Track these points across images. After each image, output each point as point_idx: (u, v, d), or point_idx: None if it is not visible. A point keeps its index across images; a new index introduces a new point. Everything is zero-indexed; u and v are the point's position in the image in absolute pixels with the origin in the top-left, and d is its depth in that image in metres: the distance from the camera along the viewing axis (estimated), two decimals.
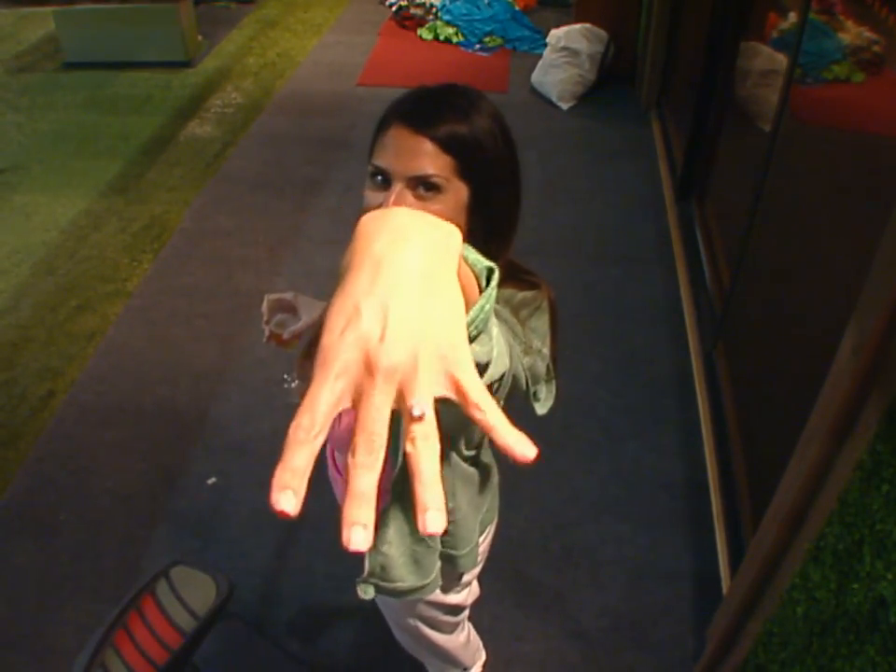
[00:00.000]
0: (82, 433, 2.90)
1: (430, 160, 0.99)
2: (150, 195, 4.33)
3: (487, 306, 0.61)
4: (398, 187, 0.99)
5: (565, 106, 5.23)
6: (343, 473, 1.26)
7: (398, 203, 0.97)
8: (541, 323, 1.11)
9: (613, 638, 2.29)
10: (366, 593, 1.38)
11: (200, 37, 6.21)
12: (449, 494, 1.30)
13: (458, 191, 1.01)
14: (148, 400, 3.03)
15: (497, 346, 0.71)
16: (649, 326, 3.40)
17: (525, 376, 1.02)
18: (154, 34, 5.80)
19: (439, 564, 1.42)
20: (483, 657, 2.11)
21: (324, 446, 0.87)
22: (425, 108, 1.02)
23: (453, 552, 1.36)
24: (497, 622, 2.30)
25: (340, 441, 1.40)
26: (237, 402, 3.01)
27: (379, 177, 1.02)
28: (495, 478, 1.43)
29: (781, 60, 2.79)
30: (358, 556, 1.57)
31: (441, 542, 1.34)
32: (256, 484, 2.66)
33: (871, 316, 1.32)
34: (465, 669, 2.01)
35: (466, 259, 0.60)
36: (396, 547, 1.32)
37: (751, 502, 2.41)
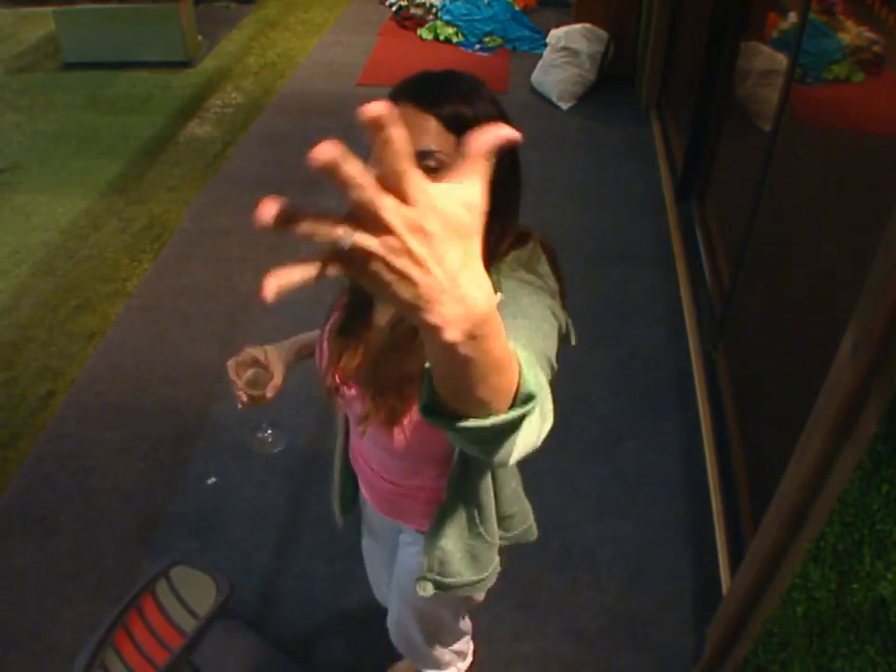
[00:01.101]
0: (82, 433, 2.90)
1: (434, 136, 1.01)
2: (150, 195, 4.33)
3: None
4: None
5: (565, 106, 5.23)
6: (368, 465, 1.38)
7: None
8: (545, 266, 1.19)
9: (613, 638, 2.28)
10: (424, 589, 1.41)
11: (200, 37, 6.22)
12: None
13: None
14: (148, 400, 3.03)
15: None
16: (649, 325, 3.40)
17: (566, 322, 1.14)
18: (154, 34, 5.81)
19: (497, 559, 1.46)
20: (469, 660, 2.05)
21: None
22: (431, 88, 1.05)
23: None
24: (497, 622, 2.30)
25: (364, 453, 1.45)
26: (236, 402, 2.99)
27: None
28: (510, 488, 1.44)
29: (781, 60, 2.79)
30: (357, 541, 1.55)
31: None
32: (256, 484, 2.66)
33: (871, 316, 1.32)
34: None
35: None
36: (453, 542, 1.36)
37: (751, 502, 2.41)
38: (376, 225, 0.49)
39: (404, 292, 0.51)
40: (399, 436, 1.21)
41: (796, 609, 1.52)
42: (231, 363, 1.44)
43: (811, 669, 1.43)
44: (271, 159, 4.67)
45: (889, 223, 1.31)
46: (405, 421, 1.19)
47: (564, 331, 1.12)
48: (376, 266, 0.50)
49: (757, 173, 2.68)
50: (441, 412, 0.70)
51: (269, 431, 1.60)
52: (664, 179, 4.40)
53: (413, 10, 6.62)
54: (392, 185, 0.49)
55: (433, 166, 1.00)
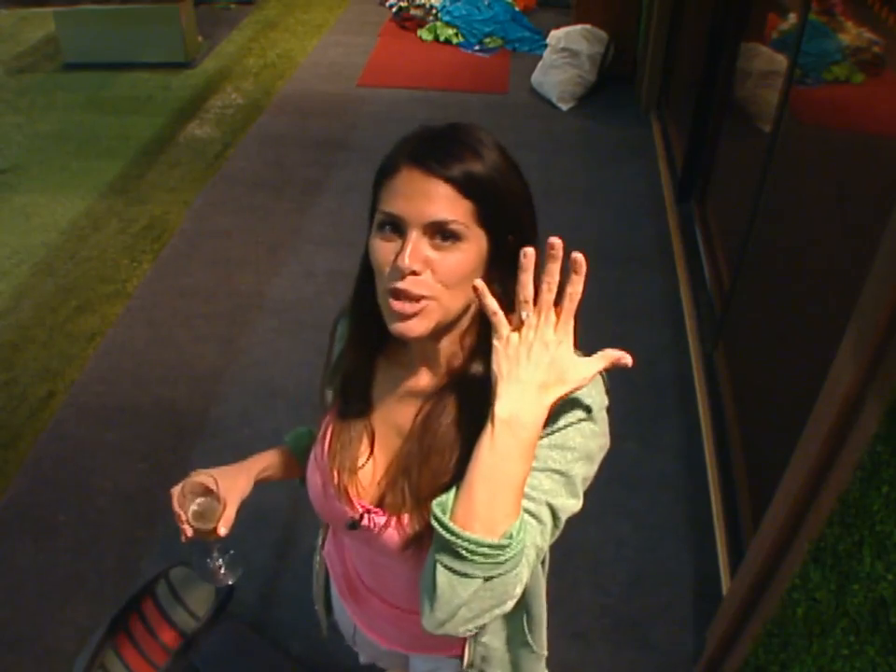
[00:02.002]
0: (82, 434, 2.89)
1: (449, 204, 0.88)
2: (150, 196, 4.33)
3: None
4: (413, 234, 0.88)
5: (565, 107, 5.23)
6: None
7: (414, 253, 0.88)
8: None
9: (613, 639, 2.28)
10: None
11: (200, 38, 6.22)
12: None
13: (479, 239, 0.91)
14: (148, 401, 3.03)
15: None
16: (649, 327, 3.39)
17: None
18: (154, 34, 5.81)
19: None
20: None
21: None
22: (436, 147, 0.91)
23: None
24: None
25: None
26: (236, 403, 3.01)
27: (389, 226, 0.91)
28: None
29: (781, 60, 2.79)
30: None
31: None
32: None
33: (871, 317, 1.32)
34: None
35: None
36: (499, 640, 1.23)
37: (751, 503, 2.40)
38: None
39: (503, 362, 0.85)
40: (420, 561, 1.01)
41: (796, 609, 1.52)
42: (175, 491, 1.21)
43: (811, 670, 1.43)
44: (271, 159, 4.67)
45: (889, 224, 1.31)
46: None
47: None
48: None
49: (757, 174, 2.68)
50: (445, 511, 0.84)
51: (219, 560, 1.35)
52: (663, 180, 4.40)
53: (413, 11, 6.63)
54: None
55: (449, 237, 0.89)
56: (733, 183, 3.50)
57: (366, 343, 1.07)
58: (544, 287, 0.83)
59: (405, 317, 0.91)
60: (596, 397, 0.96)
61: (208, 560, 1.35)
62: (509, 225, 0.93)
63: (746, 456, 2.59)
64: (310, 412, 3.10)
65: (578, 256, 0.81)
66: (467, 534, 0.80)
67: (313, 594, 1.49)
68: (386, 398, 1.08)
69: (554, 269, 0.82)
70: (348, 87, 5.60)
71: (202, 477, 1.21)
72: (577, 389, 0.86)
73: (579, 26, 5.31)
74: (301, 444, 1.35)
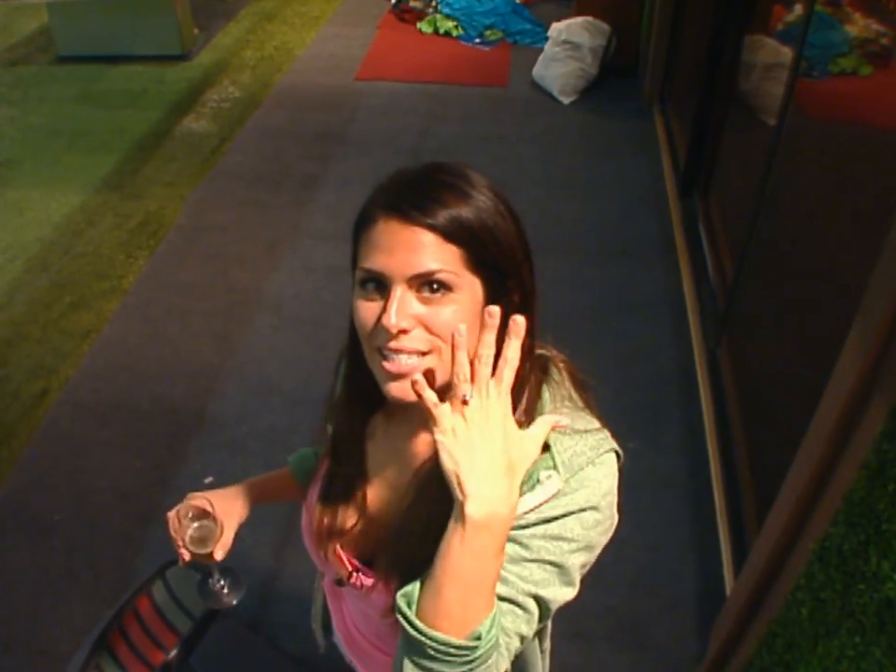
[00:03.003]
0: (77, 431, 2.90)
1: (433, 253, 0.81)
2: (146, 191, 4.32)
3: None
4: (398, 290, 0.82)
5: (566, 101, 5.22)
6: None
7: (401, 311, 0.82)
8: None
9: (615, 640, 2.28)
10: None
11: (196, 30, 6.20)
12: None
13: (472, 286, 0.84)
14: (144, 398, 3.03)
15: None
16: (651, 323, 3.39)
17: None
18: (149, 26, 5.79)
19: None
20: None
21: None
22: (414, 193, 0.84)
23: None
24: None
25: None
26: (233, 400, 3.01)
27: (371, 284, 0.85)
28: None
29: (786, 53, 2.78)
30: None
31: None
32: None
33: (876, 312, 1.32)
34: None
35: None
36: None
37: (755, 501, 2.40)
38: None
39: (460, 454, 0.77)
40: None
41: (801, 610, 1.51)
42: (171, 515, 1.20)
43: (816, 671, 1.43)
44: (269, 154, 4.66)
45: (895, 219, 1.30)
46: None
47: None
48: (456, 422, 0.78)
49: (761, 167, 2.67)
50: (410, 604, 0.80)
51: (221, 582, 1.36)
52: (666, 174, 4.39)
53: (412, 3, 6.61)
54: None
55: (438, 288, 0.83)
56: (736, 177, 3.49)
57: (360, 404, 1.02)
58: (481, 360, 0.76)
59: (399, 377, 0.85)
60: (603, 481, 0.91)
61: (209, 582, 1.35)
62: (503, 266, 0.86)
63: (749, 454, 2.58)
64: (308, 409, 3.11)
65: (518, 318, 0.76)
66: (434, 633, 0.76)
67: (311, 613, 1.48)
68: (382, 457, 1.03)
69: (491, 339, 0.76)
70: (346, 80, 5.59)
71: (198, 500, 1.20)
72: (532, 463, 0.81)
73: (580, 18, 5.29)
74: (303, 467, 1.31)
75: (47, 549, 2.51)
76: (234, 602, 1.37)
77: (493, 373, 0.78)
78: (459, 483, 0.75)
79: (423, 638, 0.76)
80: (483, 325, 0.77)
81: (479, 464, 0.76)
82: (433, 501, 0.89)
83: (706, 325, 3.27)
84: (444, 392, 0.80)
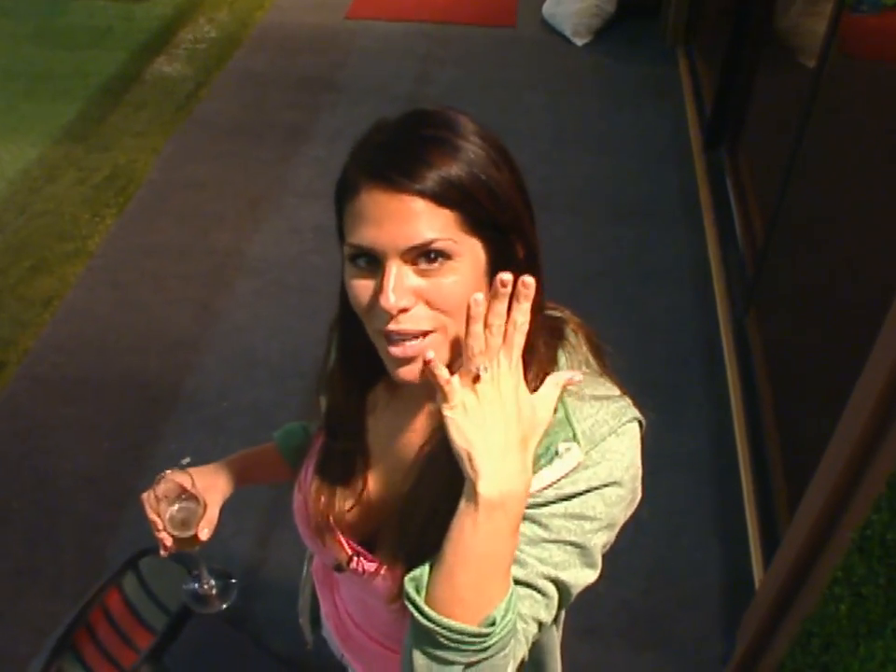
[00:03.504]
0: (38, 409, 2.89)
1: (426, 220, 0.80)
2: (113, 142, 4.28)
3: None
4: (392, 266, 0.81)
5: (580, 42, 5.16)
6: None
7: (398, 288, 0.81)
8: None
9: (631, 637, 2.29)
10: None
11: None
12: None
13: (472, 250, 0.83)
14: (114, 372, 3.02)
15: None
16: (672, 290, 3.38)
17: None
18: None
19: None
20: None
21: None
22: (397, 155, 0.82)
23: None
24: None
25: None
26: (214, 373, 3.00)
27: (361, 259, 0.84)
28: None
29: None
30: None
31: None
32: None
33: None
34: None
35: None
36: None
37: (787, 486, 2.40)
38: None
39: (472, 433, 0.78)
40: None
41: (839, 606, 1.51)
42: (147, 496, 1.18)
43: None
44: (250, 101, 4.62)
45: None
46: None
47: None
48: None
49: (798, 115, 2.64)
50: (419, 588, 0.81)
51: (211, 582, 1.32)
52: (691, 124, 4.35)
53: None
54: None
55: (436, 258, 0.81)
56: (770, 126, 3.46)
57: (357, 376, 1.02)
58: (492, 330, 0.77)
59: (408, 361, 0.85)
60: (626, 452, 0.91)
61: (195, 586, 1.33)
62: (503, 221, 0.85)
63: (780, 433, 2.58)
64: (296, 382, 3.10)
65: (527, 279, 0.76)
66: (446, 621, 0.77)
67: (298, 605, 1.47)
68: (384, 432, 1.03)
69: (502, 309, 0.77)
70: (336, 19, 5.52)
71: (177, 476, 1.18)
72: (545, 430, 0.82)
73: None
74: (291, 443, 1.30)
75: (3, 540, 2.51)
76: (225, 606, 1.36)
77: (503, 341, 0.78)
78: (471, 461, 0.77)
79: (434, 626, 0.77)
80: (494, 293, 0.76)
81: (491, 440, 0.77)
82: (441, 480, 0.89)
83: (733, 292, 3.26)
84: (451, 367, 0.81)
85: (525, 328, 0.78)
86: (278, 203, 3.84)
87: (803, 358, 2.63)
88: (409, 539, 0.92)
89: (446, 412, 0.78)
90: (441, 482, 0.88)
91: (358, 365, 0.99)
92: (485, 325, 0.77)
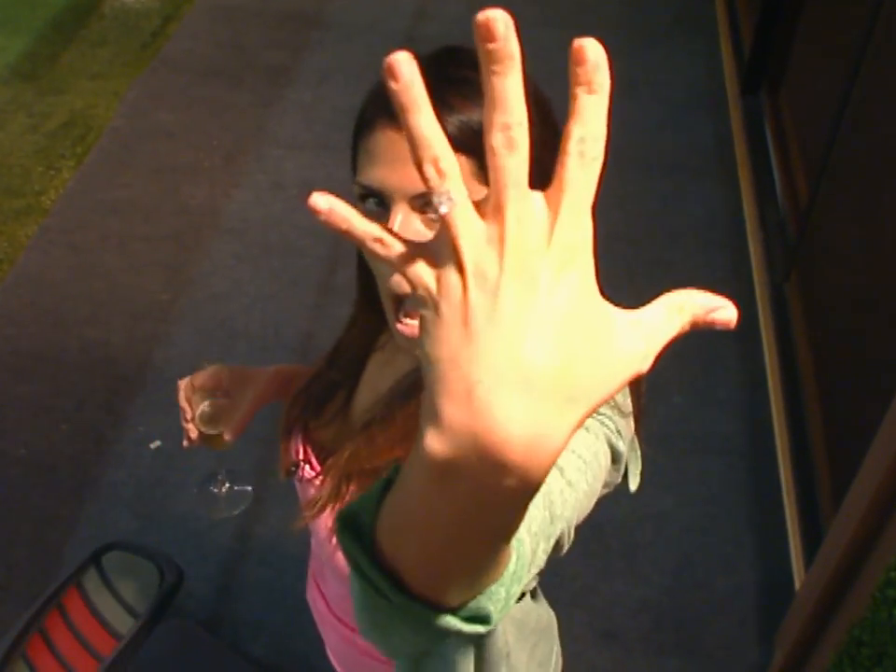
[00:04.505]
0: None
1: None
2: (69, 84, 4.25)
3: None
4: (399, 210, 0.87)
5: None
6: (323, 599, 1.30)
7: (403, 231, 0.84)
8: None
9: (654, 641, 2.30)
10: None
11: None
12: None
13: None
14: (73, 346, 3.01)
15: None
16: (703, 251, 3.37)
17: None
18: None
19: None
20: None
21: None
22: None
23: None
24: None
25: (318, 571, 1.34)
26: (186, 347, 3.00)
27: (371, 200, 0.90)
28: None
29: None
30: None
31: None
32: (211, 455, 2.65)
33: None
34: None
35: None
36: None
37: (831, 473, 2.40)
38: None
39: (440, 345, 0.44)
40: None
41: (892, 611, 1.50)
42: (183, 383, 1.29)
43: None
44: (225, 39, 4.58)
45: None
46: None
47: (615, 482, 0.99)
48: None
49: (849, 58, 2.63)
50: (363, 539, 0.59)
51: (227, 485, 1.43)
52: (726, 65, 4.33)
53: None
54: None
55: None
56: (817, 68, 3.45)
57: (374, 315, 1.06)
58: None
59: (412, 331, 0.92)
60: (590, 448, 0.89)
61: (211, 487, 1.45)
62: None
63: (824, 414, 2.58)
64: (279, 356, 3.09)
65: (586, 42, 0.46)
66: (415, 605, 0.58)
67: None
68: (380, 371, 1.13)
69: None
70: None
71: (218, 371, 1.27)
72: (625, 385, 0.49)
73: None
74: None
75: None
76: (234, 512, 1.50)
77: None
78: (430, 390, 0.45)
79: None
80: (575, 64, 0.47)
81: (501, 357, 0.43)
82: (406, 405, 0.98)
83: (772, 255, 3.26)
84: None
85: (602, 137, 0.49)
86: (259, 155, 3.81)
87: (850, 331, 2.63)
88: (360, 458, 1.02)
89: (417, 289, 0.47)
90: (406, 407, 0.99)
91: (375, 307, 1.03)
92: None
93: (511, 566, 0.61)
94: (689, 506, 2.57)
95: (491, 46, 0.43)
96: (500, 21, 0.42)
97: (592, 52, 0.46)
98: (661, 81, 4.26)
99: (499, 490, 0.45)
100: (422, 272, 0.45)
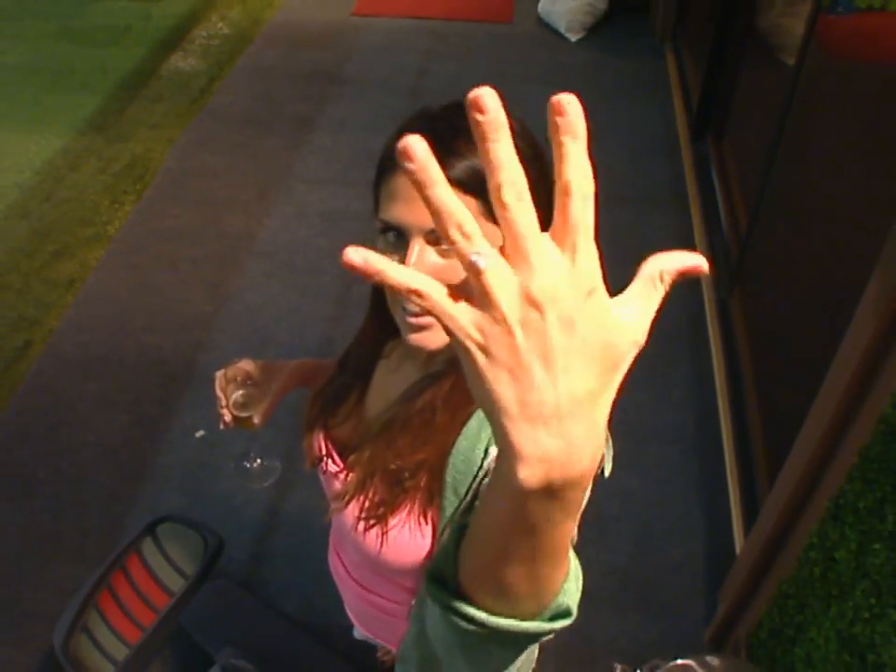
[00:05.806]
0: (62, 385, 2.89)
1: None
2: (131, 133, 4.26)
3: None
4: (416, 243, 0.86)
5: (573, 38, 5.11)
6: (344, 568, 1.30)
7: (419, 263, 0.86)
8: None
9: (620, 600, 2.30)
10: None
11: None
12: None
13: (492, 236, 0.74)
14: (132, 350, 3.01)
15: None
16: None
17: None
18: None
19: None
20: None
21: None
22: (432, 144, 0.78)
23: None
24: None
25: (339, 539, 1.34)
26: (225, 351, 2.99)
27: (391, 233, 0.90)
28: None
29: None
30: None
31: None
32: (246, 437, 2.65)
33: None
34: None
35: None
36: None
37: (767, 457, 2.40)
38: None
39: (501, 387, 0.43)
40: (373, 540, 1.04)
41: (814, 570, 1.51)
42: (219, 374, 1.31)
43: (829, 634, 1.43)
44: (260, 94, 4.58)
45: None
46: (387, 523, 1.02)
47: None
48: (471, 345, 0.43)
49: (779, 110, 2.62)
50: (446, 582, 0.59)
51: (258, 461, 1.45)
52: (678, 116, 4.32)
53: None
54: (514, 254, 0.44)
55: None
56: (752, 119, 3.44)
57: (384, 325, 1.06)
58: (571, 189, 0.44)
59: (421, 328, 0.91)
60: None
61: (245, 462, 1.48)
62: None
63: (761, 408, 2.58)
64: (304, 358, 3.07)
65: (564, 98, 0.45)
66: (505, 622, 0.56)
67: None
68: (388, 377, 1.11)
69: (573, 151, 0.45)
70: (342, 15, 5.47)
71: (248, 365, 1.30)
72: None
73: None
74: None
75: (30, 508, 2.51)
76: (266, 483, 1.56)
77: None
78: (504, 431, 0.43)
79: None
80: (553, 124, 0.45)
81: (542, 404, 0.43)
82: (417, 407, 0.97)
83: (717, 274, 3.24)
84: None
85: (590, 189, 0.45)
86: (287, 190, 3.81)
87: (782, 338, 2.63)
88: (379, 456, 1.01)
89: (463, 340, 0.44)
90: (416, 409, 0.97)
91: (384, 320, 1.03)
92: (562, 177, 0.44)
93: (573, 561, 0.62)
94: (649, 486, 2.56)
95: (482, 118, 0.42)
96: (489, 97, 0.42)
97: (571, 106, 0.44)
98: (624, 129, 4.25)
99: (577, 497, 0.47)
100: (463, 320, 0.43)
